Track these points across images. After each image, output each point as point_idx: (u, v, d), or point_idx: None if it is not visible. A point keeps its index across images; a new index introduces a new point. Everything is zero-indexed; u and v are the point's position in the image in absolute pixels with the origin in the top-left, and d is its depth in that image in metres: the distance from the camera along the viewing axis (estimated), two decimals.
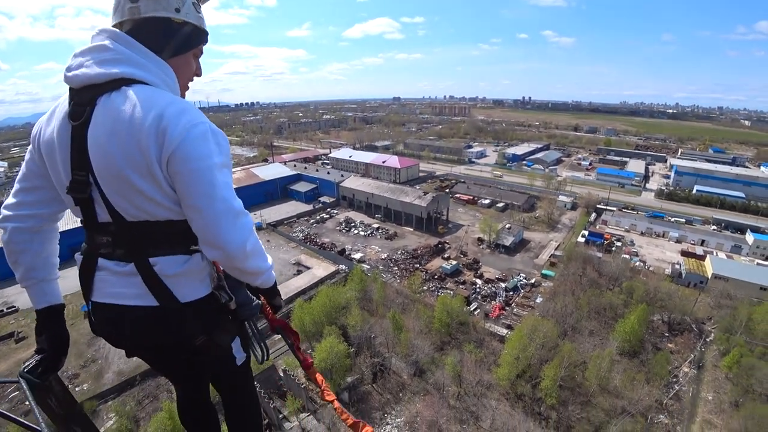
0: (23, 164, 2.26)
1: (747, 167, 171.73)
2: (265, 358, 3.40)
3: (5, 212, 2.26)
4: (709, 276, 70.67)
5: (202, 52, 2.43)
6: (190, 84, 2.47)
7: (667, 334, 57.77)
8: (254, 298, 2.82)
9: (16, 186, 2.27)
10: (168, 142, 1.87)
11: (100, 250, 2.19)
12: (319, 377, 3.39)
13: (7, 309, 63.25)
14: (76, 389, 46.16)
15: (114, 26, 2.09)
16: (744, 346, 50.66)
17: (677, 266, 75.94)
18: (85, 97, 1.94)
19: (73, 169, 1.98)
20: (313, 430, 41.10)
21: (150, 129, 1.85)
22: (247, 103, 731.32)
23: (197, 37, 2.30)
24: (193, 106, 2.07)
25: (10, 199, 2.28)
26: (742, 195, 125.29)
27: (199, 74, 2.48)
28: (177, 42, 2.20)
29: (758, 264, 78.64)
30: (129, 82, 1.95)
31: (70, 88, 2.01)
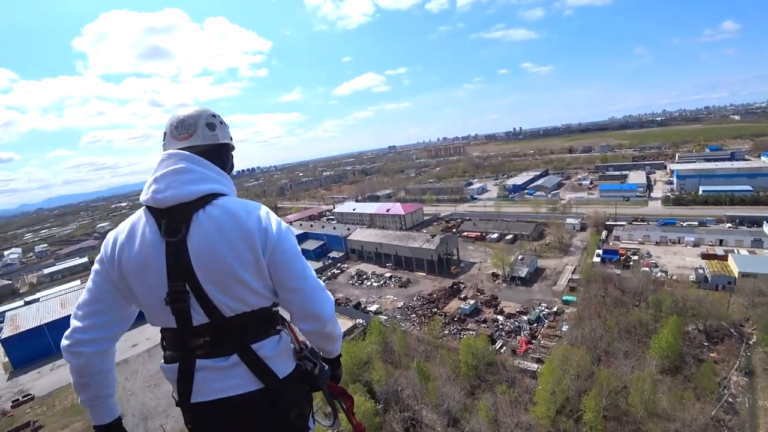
0: (91, 287, 2.45)
1: (747, 159, 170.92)
2: (338, 425, 3.56)
3: (79, 337, 2.42)
4: (736, 275, 68.25)
5: None
6: None
7: (706, 344, 54.89)
8: (324, 364, 2.95)
9: (85, 309, 2.44)
10: (270, 239, 2.36)
11: (197, 352, 2.33)
12: None
13: (22, 397, 61.59)
14: None
15: (184, 148, 2.48)
16: None
17: (701, 270, 73.62)
18: (179, 215, 2.25)
19: (171, 281, 2.22)
20: None
21: (255, 230, 2.32)
22: (247, 169, 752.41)
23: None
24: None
25: (81, 323, 2.44)
26: (750, 188, 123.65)
27: None
28: (231, 160, 2.85)
29: None
30: (216, 196, 2.36)
31: (153, 209, 2.31)
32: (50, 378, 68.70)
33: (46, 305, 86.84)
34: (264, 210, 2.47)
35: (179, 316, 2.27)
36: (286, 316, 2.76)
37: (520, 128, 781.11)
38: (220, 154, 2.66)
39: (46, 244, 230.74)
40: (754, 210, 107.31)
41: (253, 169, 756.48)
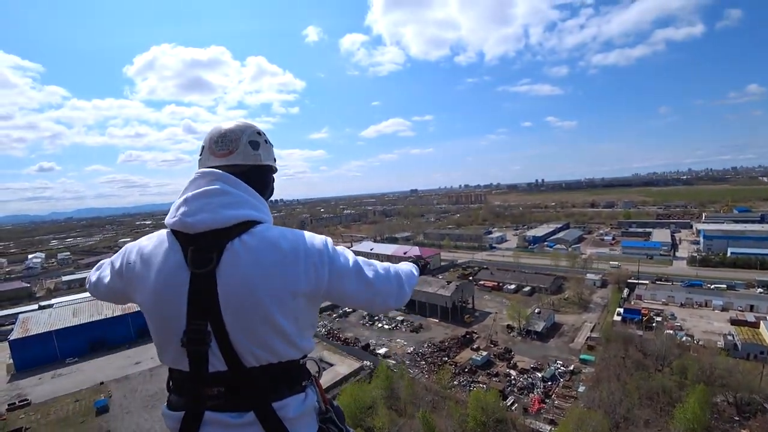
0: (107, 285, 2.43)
1: None
2: None
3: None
4: None
5: None
6: None
7: (737, 418, 51.04)
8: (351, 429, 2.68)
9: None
10: (322, 270, 2.05)
11: (209, 403, 1.94)
12: None
13: (19, 402, 60.38)
14: None
15: (222, 166, 2.17)
16: None
17: (730, 337, 69.68)
18: (209, 242, 1.91)
19: (191, 319, 1.89)
20: None
21: (302, 264, 1.98)
22: (271, 201, 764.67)
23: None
24: None
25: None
26: None
27: None
28: (272, 185, 2.56)
29: None
30: (254, 224, 2.00)
31: (180, 233, 1.98)
32: (50, 385, 67.95)
33: (59, 312, 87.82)
34: (308, 235, 2.15)
35: (195, 360, 1.92)
36: (312, 370, 2.41)
37: (543, 180, 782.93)
38: (261, 176, 2.36)
39: (69, 252, 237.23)
40: None
41: (276, 201, 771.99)
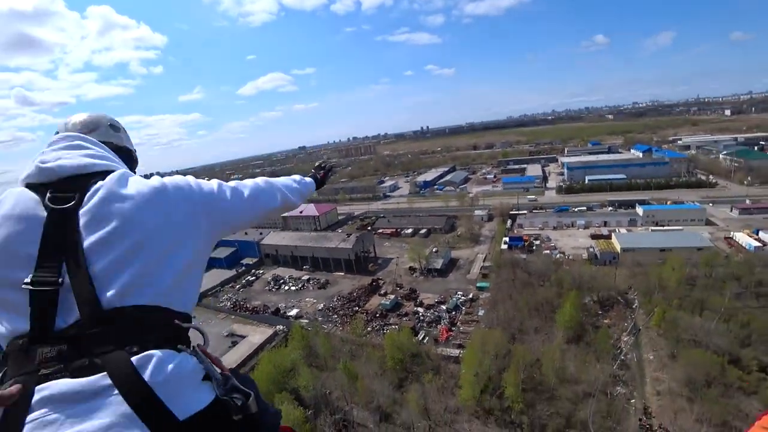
0: None
1: (620, 152, 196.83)
2: None
3: None
4: (619, 251, 77.56)
5: None
6: None
7: (600, 312, 61.35)
8: (270, 403, 1.86)
9: None
10: (195, 196, 1.96)
11: (42, 370, 1.35)
12: None
13: None
14: None
15: None
16: (663, 303, 55.40)
17: (591, 249, 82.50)
18: (70, 185, 1.66)
19: (42, 259, 1.50)
20: None
21: (173, 194, 1.84)
22: (146, 175, 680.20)
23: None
24: None
25: None
26: (624, 176, 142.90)
27: None
28: (133, 169, 2.42)
29: (652, 230, 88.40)
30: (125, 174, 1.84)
31: (34, 185, 1.70)
32: None
33: None
34: (169, 177, 2.00)
35: (38, 312, 1.43)
36: (195, 340, 1.75)
37: (428, 127, 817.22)
38: (123, 158, 2.17)
39: None
40: (628, 194, 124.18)
41: (152, 174, 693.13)
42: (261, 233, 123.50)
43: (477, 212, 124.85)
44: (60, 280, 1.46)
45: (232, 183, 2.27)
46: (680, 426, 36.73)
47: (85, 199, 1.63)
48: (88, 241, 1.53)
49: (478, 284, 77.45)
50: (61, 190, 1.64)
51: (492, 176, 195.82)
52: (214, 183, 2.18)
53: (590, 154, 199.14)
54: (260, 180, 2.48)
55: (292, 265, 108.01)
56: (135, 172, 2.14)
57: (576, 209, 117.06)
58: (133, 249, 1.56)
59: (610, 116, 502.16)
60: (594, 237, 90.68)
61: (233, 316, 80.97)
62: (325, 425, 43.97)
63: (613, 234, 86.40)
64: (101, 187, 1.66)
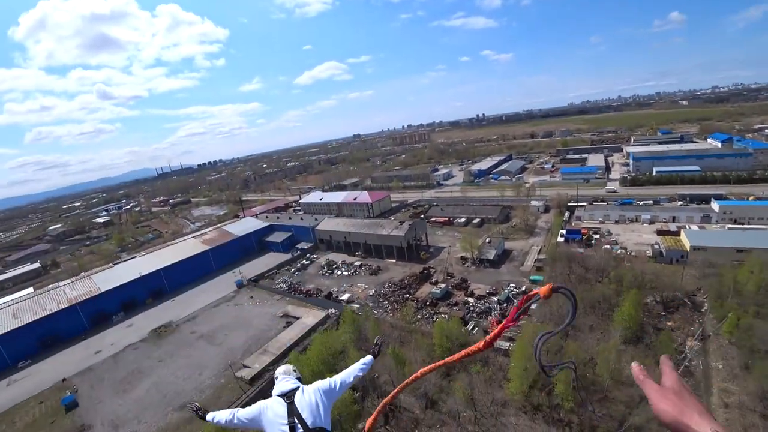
0: (248, 414, 5.03)
1: (695, 142, 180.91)
2: None
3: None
4: (688, 249, 72.31)
5: None
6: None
7: (663, 314, 57.98)
8: None
9: (237, 412, 5.14)
10: (324, 388, 5.22)
11: None
12: None
13: None
14: None
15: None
16: (738, 309, 51.31)
17: (656, 246, 77.52)
18: (291, 393, 5.06)
19: (289, 420, 4.71)
20: None
21: (315, 391, 5.13)
22: (209, 162, 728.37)
23: None
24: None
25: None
26: (698, 168, 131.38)
27: None
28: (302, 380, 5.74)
29: (729, 228, 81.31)
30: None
31: (278, 395, 5.13)
32: (7, 394, 64.55)
33: None
34: (314, 383, 5.35)
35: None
36: None
37: (483, 115, 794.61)
38: (299, 379, 5.61)
39: None
40: (702, 188, 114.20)
41: (215, 162, 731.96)
42: (316, 219, 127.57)
43: (533, 203, 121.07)
44: (296, 424, 4.69)
45: (337, 377, 5.42)
46: None
47: (295, 397, 5.00)
48: (302, 411, 4.82)
49: (531, 277, 75.71)
50: (289, 396, 5.03)
51: (550, 166, 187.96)
52: (333, 380, 5.34)
53: (659, 143, 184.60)
54: (349, 372, 5.56)
55: (345, 251, 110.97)
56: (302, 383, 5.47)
57: (641, 203, 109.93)
58: (316, 412, 4.86)
59: (684, 102, 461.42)
60: (660, 233, 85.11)
61: (288, 298, 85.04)
62: (371, 408, 45.56)
63: (682, 231, 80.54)
64: (299, 392, 5.10)
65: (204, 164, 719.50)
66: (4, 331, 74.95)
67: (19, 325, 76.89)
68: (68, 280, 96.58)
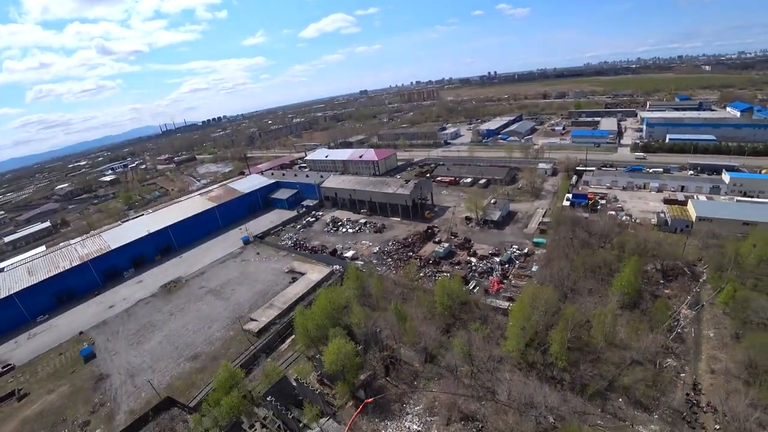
0: None
1: (713, 110, 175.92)
2: None
3: None
4: (694, 219, 72.35)
5: None
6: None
7: (662, 281, 58.89)
8: None
9: None
10: None
11: None
12: None
13: (3, 368, 61.49)
14: None
15: None
16: (736, 281, 52.05)
17: (662, 215, 77.52)
18: None
19: None
20: None
21: None
22: (214, 119, 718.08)
23: None
24: None
25: None
26: (713, 138, 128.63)
27: None
28: None
29: (738, 201, 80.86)
30: None
31: None
32: (28, 347, 67.97)
33: (13, 274, 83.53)
34: None
35: None
36: None
37: (495, 72, 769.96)
38: None
39: (2, 212, 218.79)
40: (715, 159, 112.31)
41: (219, 118, 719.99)
42: (321, 176, 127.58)
43: (541, 165, 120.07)
44: None
45: None
46: (731, 407, 35.38)
47: None
48: None
49: (534, 239, 76.51)
50: None
51: (561, 128, 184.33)
52: None
53: (676, 109, 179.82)
54: None
55: (350, 209, 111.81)
56: None
57: (651, 170, 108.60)
58: None
59: (707, 67, 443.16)
60: (667, 202, 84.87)
61: (293, 254, 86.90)
62: (373, 360, 47.73)
63: (690, 201, 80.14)
64: None
65: (208, 121, 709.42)
66: (21, 288, 77.84)
67: (35, 282, 79.75)
68: (79, 238, 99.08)
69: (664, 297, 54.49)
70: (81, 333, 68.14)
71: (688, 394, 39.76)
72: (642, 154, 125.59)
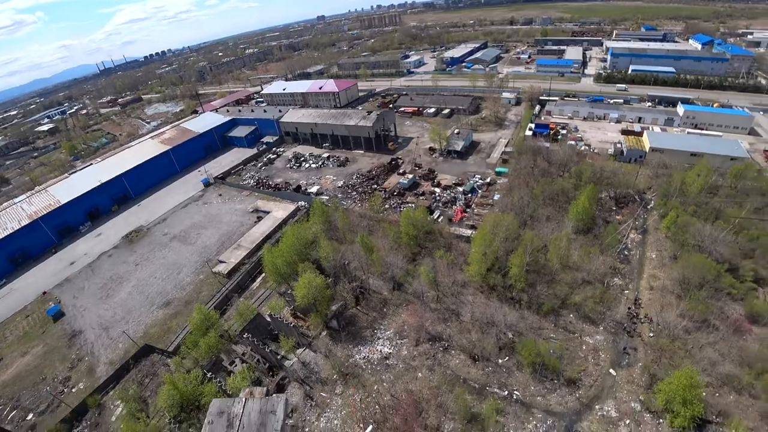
0: None
1: (676, 42, 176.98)
2: None
3: None
4: (647, 150, 75.31)
5: None
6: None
7: (614, 208, 62.32)
8: None
9: None
10: None
11: None
12: None
13: None
14: (72, 390, 45.34)
15: None
16: (679, 208, 55.75)
17: (619, 145, 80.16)
18: None
19: None
20: (312, 360, 42.90)
21: None
22: (157, 53, 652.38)
23: None
24: None
25: None
26: (673, 70, 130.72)
27: None
28: None
29: (689, 133, 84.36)
30: None
31: None
32: None
33: None
34: None
35: None
36: None
37: None
38: None
39: None
40: (672, 91, 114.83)
41: (163, 52, 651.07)
42: (280, 111, 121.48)
43: (505, 95, 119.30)
44: None
45: None
46: (663, 317, 40.38)
47: None
48: None
49: (496, 169, 77.89)
50: None
51: (526, 56, 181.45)
52: None
53: (641, 40, 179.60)
54: None
55: (312, 143, 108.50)
56: None
57: (612, 101, 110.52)
58: None
59: None
60: (624, 132, 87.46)
61: (257, 194, 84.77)
62: (344, 291, 49.10)
63: (645, 132, 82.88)
64: None
65: (151, 56, 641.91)
66: None
67: None
68: (23, 196, 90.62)
69: (614, 222, 57.98)
70: (45, 293, 64.95)
71: (629, 308, 44.19)
72: (624, 86, 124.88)
